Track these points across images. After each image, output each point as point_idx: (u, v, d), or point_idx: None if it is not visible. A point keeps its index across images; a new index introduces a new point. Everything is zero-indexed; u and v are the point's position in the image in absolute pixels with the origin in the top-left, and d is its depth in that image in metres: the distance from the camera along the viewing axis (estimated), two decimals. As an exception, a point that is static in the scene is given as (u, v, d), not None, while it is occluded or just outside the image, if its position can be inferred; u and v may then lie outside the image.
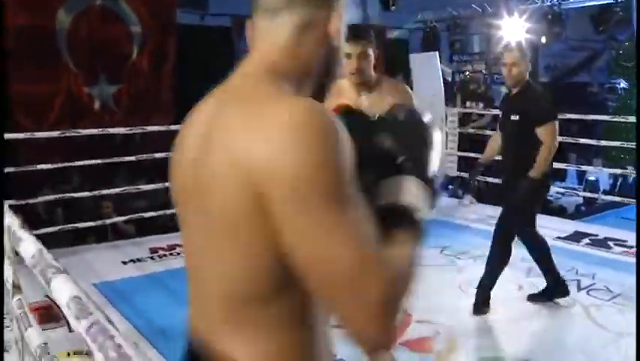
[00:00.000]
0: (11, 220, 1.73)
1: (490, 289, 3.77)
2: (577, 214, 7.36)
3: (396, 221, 0.97)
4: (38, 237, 4.03)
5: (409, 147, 1.05)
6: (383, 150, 1.04)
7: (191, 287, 1.02)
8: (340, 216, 0.82)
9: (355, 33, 2.54)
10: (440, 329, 3.47)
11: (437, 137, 1.08)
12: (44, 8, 6.97)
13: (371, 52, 2.57)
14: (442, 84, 6.65)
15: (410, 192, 1.00)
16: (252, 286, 0.90)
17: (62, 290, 0.94)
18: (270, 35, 0.99)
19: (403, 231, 0.97)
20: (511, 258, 4.59)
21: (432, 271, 4.36)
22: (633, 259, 4.61)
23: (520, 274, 4.27)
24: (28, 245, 1.36)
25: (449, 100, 6.87)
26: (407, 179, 1.02)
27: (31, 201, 4.74)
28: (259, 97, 0.91)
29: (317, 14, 1.00)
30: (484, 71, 7.22)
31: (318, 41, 1.01)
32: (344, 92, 2.64)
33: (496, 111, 7.75)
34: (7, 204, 2.05)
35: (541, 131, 3.56)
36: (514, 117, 3.68)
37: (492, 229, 5.48)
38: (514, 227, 3.80)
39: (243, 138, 0.85)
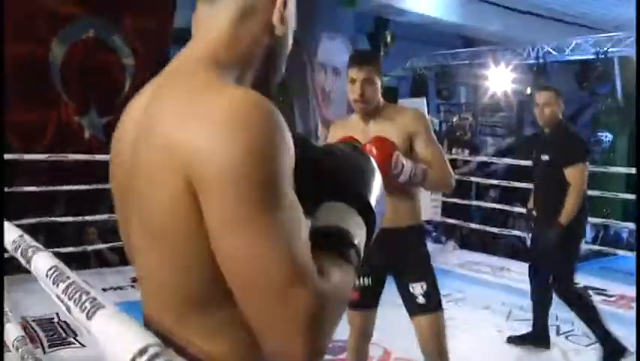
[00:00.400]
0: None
1: (605, 333, 3.50)
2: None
3: (329, 243, 0.88)
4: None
5: (343, 176, 0.97)
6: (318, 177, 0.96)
7: (139, 279, 0.95)
8: (271, 217, 0.75)
9: (359, 57, 2.46)
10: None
11: (377, 172, 1.01)
12: (38, 39, 7.07)
13: (377, 78, 2.41)
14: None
15: (343, 217, 0.91)
16: (190, 292, 0.84)
17: (42, 264, 0.97)
18: (210, 22, 0.93)
19: (337, 253, 0.88)
20: (490, 302, 4.64)
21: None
22: (612, 308, 4.66)
23: (500, 318, 4.29)
24: (9, 233, 1.37)
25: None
26: (339, 205, 0.93)
27: (14, 222, 4.71)
28: (197, 84, 0.84)
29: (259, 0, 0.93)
30: (470, 119, 7.37)
31: (260, 29, 0.94)
32: (350, 123, 2.54)
33: (481, 158, 7.91)
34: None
35: (569, 173, 3.45)
36: (545, 157, 3.60)
37: (474, 274, 5.57)
38: (571, 272, 3.58)
39: (179, 126, 0.79)
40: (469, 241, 7.12)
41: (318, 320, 0.75)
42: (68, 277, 0.85)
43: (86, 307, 0.74)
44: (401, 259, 2.48)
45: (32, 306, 3.81)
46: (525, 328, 4.00)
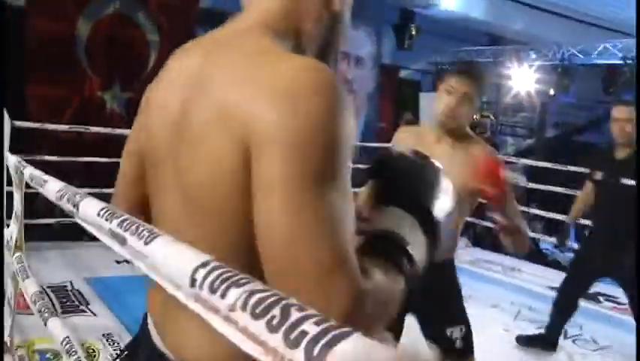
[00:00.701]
0: (31, 170, 1.76)
1: None
2: (570, 268, 7.37)
3: (381, 247, 0.82)
4: (33, 227, 4.06)
5: (409, 186, 0.90)
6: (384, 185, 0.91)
7: None
8: (322, 197, 0.69)
9: (463, 68, 2.21)
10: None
11: (446, 184, 0.93)
12: (64, 16, 7.16)
13: (476, 97, 2.11)
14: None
15: (400, 223, 0.85)
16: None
17: (92, 206, 1.01)
18: None
19: (388, 259, 0.81)
20: (499, 301, 4.63)
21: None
22: (623, 316, 4.61)
23: (508, 317, 4.28)
24: (53, 183, 1.40)
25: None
26: (398, 210, 0.86)
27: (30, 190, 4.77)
28: (254, 49, 0.81)
29: None
30: (491, 117, 7.30)
31: (317, 3, 0.90)
32: (420, 131, 2.32)
33: (500, 157, 7.84)
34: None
35: None
36: (629, 182, 3.30)
37: (485, 272, 5.54)
38: None
39: (236, 91, 0.75)
40: (483, 240, 7.09)
41: (353, 318, 0.66)
42: (122, 215, 0.89)
43: (143, 235, 0.78)
44: (434, 297, 2.08)
45: (47, 274, 3.87)
46: (532, 328, 4.00)
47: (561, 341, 3.91)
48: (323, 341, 0.43)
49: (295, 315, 0.47)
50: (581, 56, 7.58)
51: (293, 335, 0.45)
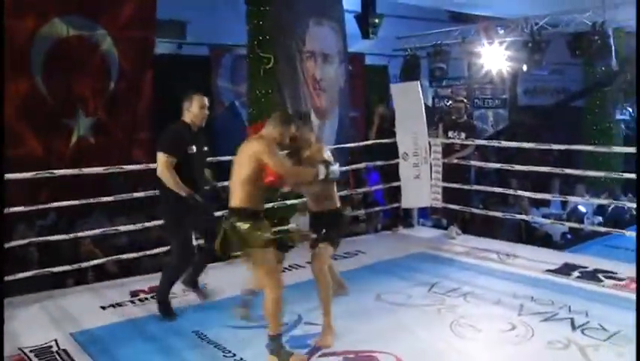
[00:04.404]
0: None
1: None
2: (563, 243, 7.32)
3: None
4: (14, 282, 3.82)
5: None
6: None
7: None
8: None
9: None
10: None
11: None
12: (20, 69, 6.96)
13: None
14: (424, 114, 6.55)
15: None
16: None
17: None
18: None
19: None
20: (501, 295, 4.51)
21: (420, 313, 4.22)
22: (625, 294, 4.53)
23: (512, 313, 4.16)
24: None
25: (431, 130, 6.76)
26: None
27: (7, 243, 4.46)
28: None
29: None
30: (465, 101, 7.16)
31: None
32: None
33: (480, 142, 7.69)
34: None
35: None
36: None
37: (481, 262, 5.43)
38: None
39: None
40: (472, 226, 6.98)
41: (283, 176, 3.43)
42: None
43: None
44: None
45: (30, 335, 3.64)
46: (537, 321, 3.90)
47: (570, 332, 3.80)
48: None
49: None
50: (550, 29, 7.46)
51: None
